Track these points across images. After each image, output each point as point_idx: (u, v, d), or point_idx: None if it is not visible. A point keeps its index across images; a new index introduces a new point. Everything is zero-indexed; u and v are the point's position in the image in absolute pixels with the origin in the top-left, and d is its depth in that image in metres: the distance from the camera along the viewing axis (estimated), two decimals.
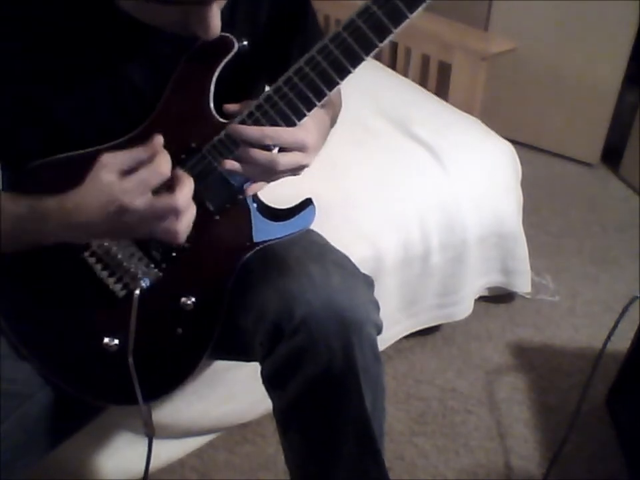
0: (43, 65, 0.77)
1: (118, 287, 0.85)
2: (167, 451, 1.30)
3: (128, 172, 0.72)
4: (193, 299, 0.85)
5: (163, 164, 0.72)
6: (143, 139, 0.79)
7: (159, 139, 0.74)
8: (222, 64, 0.79)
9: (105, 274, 0.84)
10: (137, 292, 0.81)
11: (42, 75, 0.78)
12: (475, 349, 1.68)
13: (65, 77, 0.79)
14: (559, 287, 1.89)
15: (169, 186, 0.73)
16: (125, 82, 0.82)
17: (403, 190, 1.48)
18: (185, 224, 0.74)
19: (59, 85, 0.79)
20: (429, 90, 1.89)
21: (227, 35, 0.78)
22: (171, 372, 0.91)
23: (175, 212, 0.72)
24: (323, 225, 0.88)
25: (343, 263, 0.88)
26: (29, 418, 0.87)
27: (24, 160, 0.83)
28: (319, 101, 0.76)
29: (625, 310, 1.15)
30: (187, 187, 0.74)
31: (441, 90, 1.93)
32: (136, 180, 0.71)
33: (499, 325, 1.76)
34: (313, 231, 0.96)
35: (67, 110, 0.80)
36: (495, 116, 2.13)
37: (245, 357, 0.95)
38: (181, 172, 0.76)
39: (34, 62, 0.77)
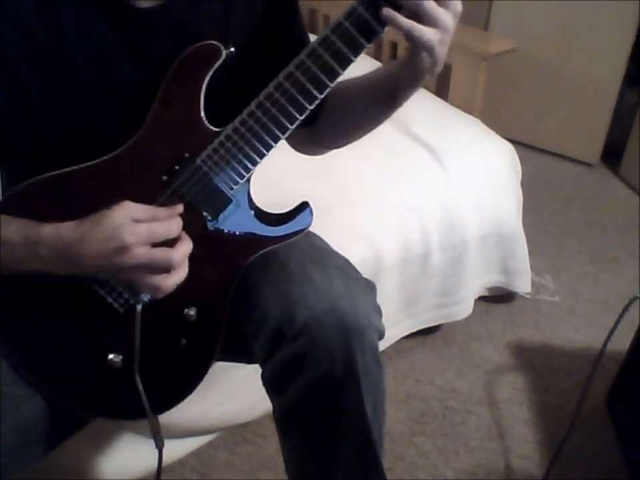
0: (35, 65, 0.76)
1: (119, 302, 0.83)
2: (167, 451, 1.28)
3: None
4: (196, 309, 0.84)
5: (175, 225, 0.76)
6: (135, 151, 0.79)
7: (181, 207, 0.78)
8: (210, 71, 0.77)
9: (105, 291, 0.83)
10: (139, 307, 0.80)
11: (32, 76, 0.76)
12: (474, 348, 1.68)
13: (55, 78, 0.77)
14: (559, 287, 1.89)
15: (169, 244, 0.75)
16: (115, 85, 0.80)
17: (402, 190, 1.48)
18: (172, 282, 0.75)
19: (49, 87, 0.77)
20: (428, 90, 1.89)
21: (214, 42, 0.77)
22: (178, 383, 0.90)
23: (169, 267, 0.74)
24: (322, 225, 0.88)
25: (344, 268, 0.88)
26: (27, 420, 0.86)
27: (13, 165, 0.81)
28: (311, 104, 0.76)
29: (624, 310, 1.16)
30: (185, 246, 0.77)
31: (441, 90, 1.92)
32: (146, 227, 0.73)
33: (499, 325, 1.76)
34: (314, 234, 0.95)
35: (58, 114, 0.78)
36: (495, 116, 2.12)
37: (246, 358, 0.95)
38: (183, 232, 0.78)
39: (27, 62, 0.76)
